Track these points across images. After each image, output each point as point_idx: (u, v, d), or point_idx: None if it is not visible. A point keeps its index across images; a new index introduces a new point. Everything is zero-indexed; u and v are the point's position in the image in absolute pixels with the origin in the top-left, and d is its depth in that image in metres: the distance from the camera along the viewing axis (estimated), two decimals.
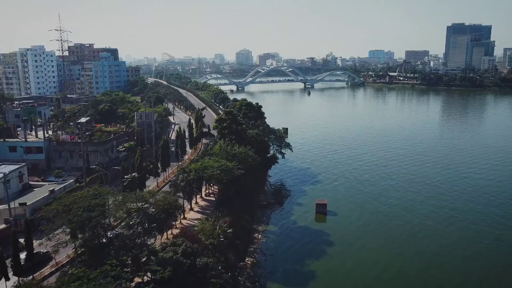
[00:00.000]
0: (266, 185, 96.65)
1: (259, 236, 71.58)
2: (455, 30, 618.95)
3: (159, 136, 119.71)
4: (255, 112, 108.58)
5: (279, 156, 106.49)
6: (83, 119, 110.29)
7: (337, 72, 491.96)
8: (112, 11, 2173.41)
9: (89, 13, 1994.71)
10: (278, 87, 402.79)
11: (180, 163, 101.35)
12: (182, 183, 66.67)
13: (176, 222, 65.68)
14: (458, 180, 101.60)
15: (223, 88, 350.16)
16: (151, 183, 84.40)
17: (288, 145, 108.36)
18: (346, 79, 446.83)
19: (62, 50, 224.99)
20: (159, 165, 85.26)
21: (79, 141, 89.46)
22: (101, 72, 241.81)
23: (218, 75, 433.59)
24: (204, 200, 77.70)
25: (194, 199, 75.85)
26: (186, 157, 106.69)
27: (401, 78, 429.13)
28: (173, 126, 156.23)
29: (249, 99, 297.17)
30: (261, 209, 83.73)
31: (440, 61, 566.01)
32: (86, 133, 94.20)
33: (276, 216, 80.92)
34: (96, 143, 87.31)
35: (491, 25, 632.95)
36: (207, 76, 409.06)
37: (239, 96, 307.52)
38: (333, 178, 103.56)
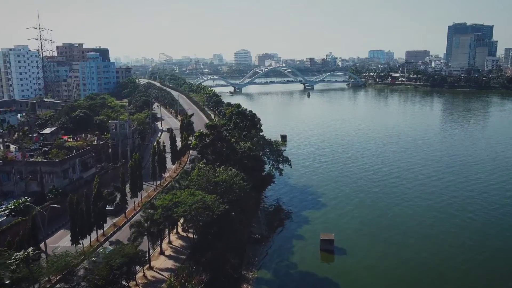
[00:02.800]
0: (259, 210, 79.91)
1: None
2: (456, 30, 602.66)
3: (139, 149, 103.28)
4: (248, 121, 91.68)
5: (276, 173, 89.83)
6: (47, 130, 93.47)
7: (338, 73, 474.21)
8: (111, 11, 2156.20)
9: (88, 13, 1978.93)
10: (277, 88, 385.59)
11: (159, 182, 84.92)
12: (146, 224, 50.04)
13: (139, 275, 49.24)
14: (477, 199, 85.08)
15: (220, 89, 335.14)
16: (117, 213, 67.97)
17: (286, 160, 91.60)
18: (346, 80, 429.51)
19: (41, 49, 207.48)
20: (128, 191, 68.71)
21: (32, 159, 72.88)
22: (88, 73, 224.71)
23: (215, 76, 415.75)
24: (180, 237, 61.04)
25: (167, 238, 59.27)
26: (167, 174, 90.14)
27: (403, 79, 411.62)
28: (159, 133, 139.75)
29: (247, 101, 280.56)
30: (253, 244, 67.05)
31: (441, 61, 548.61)
32: (44, 148, 77.50)
33: (271, 256, 64.16)
34: (52, 162, 70.46)
35: (493, 25, 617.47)
36: (203, 77, 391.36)
37: (237, 98, 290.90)
38: (338, 199, 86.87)
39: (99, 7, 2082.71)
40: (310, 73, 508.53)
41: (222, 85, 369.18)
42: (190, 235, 58.58)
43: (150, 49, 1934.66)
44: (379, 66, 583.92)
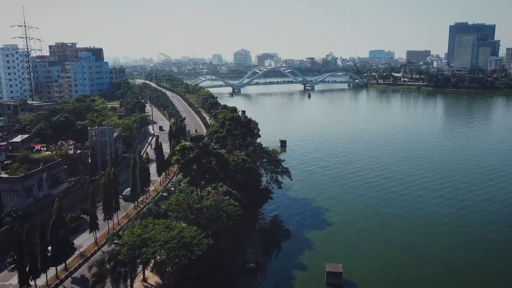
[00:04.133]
0: (255, 230, 69.23)
1: None
2: (458, 30, 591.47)
3: (123, 158, 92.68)
4: (242, 127, 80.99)
5: (275, 186, 79.26)
6: (18, 138, 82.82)
7: (338, 73, 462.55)
8: (110, 10, 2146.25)
9: (88, 13, 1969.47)
10: (277, 88, 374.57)
11: (142, 198, 74.37)
12: (108, 265, 39.48)
13: None
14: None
15: (219, 90, 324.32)
16: (86, 240, 57.34)
17: (286, 171, 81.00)
18: (347, 80, 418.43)
19: (27, 48, 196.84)
20: (100, 212, 58.11)
21: None
22: (80, 74, 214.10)
23: (213, 76, 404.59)
24: (158, 272, 50.24)
25: (141, 274, 48.62)
26: (152, 188, 79.54)
27: (406, 80, 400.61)
28: (150, 139, 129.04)
29: (245, 103, 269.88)
30: (247, 275, 56.38)
31: (443, 61, 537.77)
32: (6, 161, 66.95)
33: None
34: (11, 179, 59.85)
35: (495, 25, 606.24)
36: (201, 78, 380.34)
37: (236, 100, 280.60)
38: (344, 217, 75.98)
39: (99, 7, 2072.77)
40: (310, 73, 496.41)
41: (220, 86, 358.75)
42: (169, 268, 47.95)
43: (149, 49, 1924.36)
44: (380, 66, 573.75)
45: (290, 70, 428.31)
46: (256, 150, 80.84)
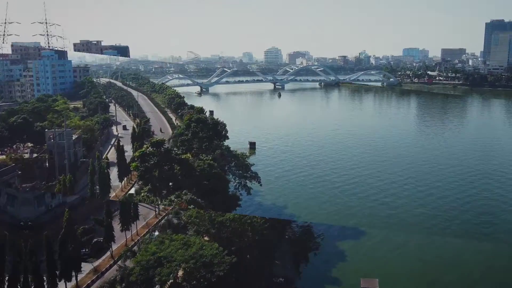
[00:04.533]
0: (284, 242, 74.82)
1: None
2: (494, 27, 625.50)
3: (82, 163, 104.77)
4: (209, 130, 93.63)
5: (243, 192, 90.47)
6: None
7: (372, 72, 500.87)
8: (138, 7, 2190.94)
9: (115, 10, 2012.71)
10: (247, 88, 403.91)
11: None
12: (119, 286, 46.20)
13: None
14: None
15: (186, 89, 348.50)
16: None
17: (255, 176, 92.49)
18: (381, 79, 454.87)
19: (48, 45, 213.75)
20: None
21: None
22: (42, 72, 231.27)
23: (180, 75, 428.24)
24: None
25: None
26: (113, 194, 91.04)
27: (441, 78, 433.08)
28: (113, 140, 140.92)
29: (214, 102, 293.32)
30: None
31: (479, 59, 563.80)
32: None
33: None
34: None
35: None
36: (168, 77, 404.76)
37: (203, 99, 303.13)
38: (373, 225, 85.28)
39: (126, 4, 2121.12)
40: (343, 72, 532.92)
41: (188, 85, 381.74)
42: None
43: (178, 47, 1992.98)
44: (414, 64, 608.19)
45: (322, 69, 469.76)
46: (224, 154, 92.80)
